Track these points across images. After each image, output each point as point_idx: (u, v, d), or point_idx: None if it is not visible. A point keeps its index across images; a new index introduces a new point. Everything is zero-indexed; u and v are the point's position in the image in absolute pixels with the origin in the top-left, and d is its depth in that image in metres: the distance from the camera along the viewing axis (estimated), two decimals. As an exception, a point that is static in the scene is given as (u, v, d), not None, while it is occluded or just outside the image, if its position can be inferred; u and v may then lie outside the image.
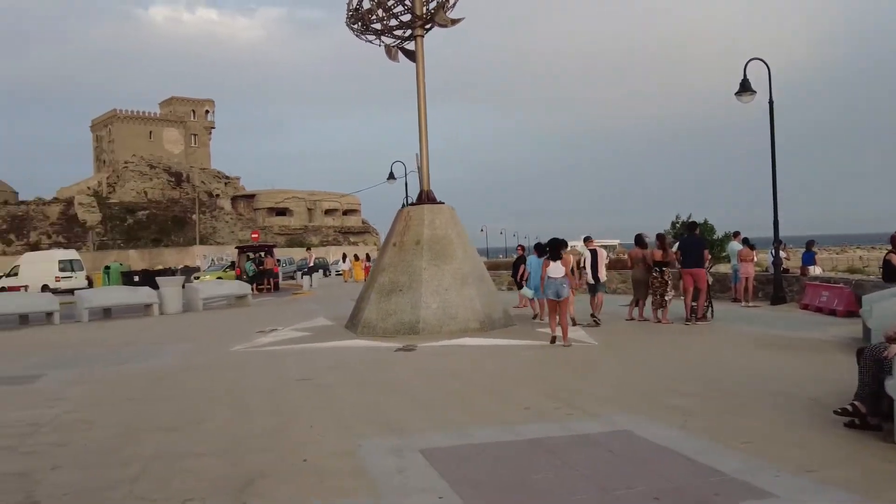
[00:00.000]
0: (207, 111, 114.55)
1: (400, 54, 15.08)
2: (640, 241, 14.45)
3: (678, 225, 42.06)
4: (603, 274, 14.15)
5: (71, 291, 29.14)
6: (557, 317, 11.21)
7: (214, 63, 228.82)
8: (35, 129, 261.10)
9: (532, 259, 14.81)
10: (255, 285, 31.63)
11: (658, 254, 13.59)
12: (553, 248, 11.33)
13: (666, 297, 13.37)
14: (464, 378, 8.39)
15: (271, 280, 32.79)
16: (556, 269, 11.13)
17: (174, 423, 6.56)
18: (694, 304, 13.55)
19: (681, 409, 6.41)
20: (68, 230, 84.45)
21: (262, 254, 34.41)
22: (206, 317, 19.34)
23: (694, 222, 14.28)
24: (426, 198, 14.18)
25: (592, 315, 13.97)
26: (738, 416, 6.12)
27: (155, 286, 22.08)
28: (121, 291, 23.18)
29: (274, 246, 39.04)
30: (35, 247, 71.30)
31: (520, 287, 15.70)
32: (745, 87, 16.41)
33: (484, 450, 5.27)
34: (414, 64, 14.55)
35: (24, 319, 19.10)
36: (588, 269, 14.04)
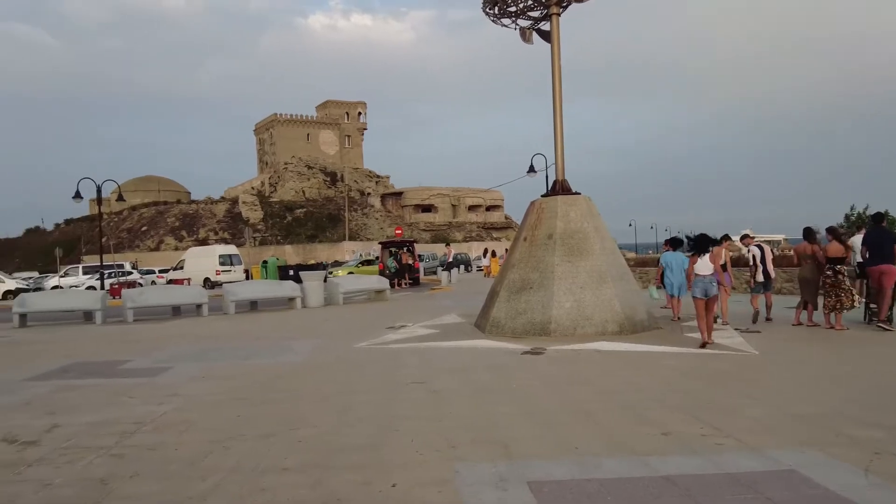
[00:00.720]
0: (360, 113, 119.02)
1: (535, 36, 14.20)
2: (809, 234, 12.62)
3: (853, 217, 37.80)
4: (772, 271, 13.26)
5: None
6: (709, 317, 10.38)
7: (367, 66, 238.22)
8: (207, 135, 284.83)
9: (667, 255, 13.70)
10: (396, 280, 32.01)
11: (832, 249, 11.77)
12: (701, 243, 10.40)
13: (847, 299, 11.53)
14: (594, 390, 7.36)
15: (406, 275, 33.14)
16: (704, 266, 10.24)
17: (271, 428, 6.10)
18: (873, 306, 11.87)
19: (865, 445, 5.07)
20: (233, 227, 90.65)
21: (405, 249, 34.73)
22: (344, 311, 19.40)
23: (880, 213, 12.30)
24: (560, 188, 13.12)
25: (760, 317, 13.08)
26: (950, 459, 4.70)
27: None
28: (266, 285, 24.00)
29: (414, 242, 39.32)
30: (203, 242, 77.12)
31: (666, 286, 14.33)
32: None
33: (604, 488, 4.29)
34: (549, 45, 13.59)
35: (176, 311, 20.12)
36: (759, 267, 13.20)
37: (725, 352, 9.76)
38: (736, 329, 12.01)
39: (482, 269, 42.32)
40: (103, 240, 68.52)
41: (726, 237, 14.22)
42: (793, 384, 7.47)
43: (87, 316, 18.57)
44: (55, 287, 37.86)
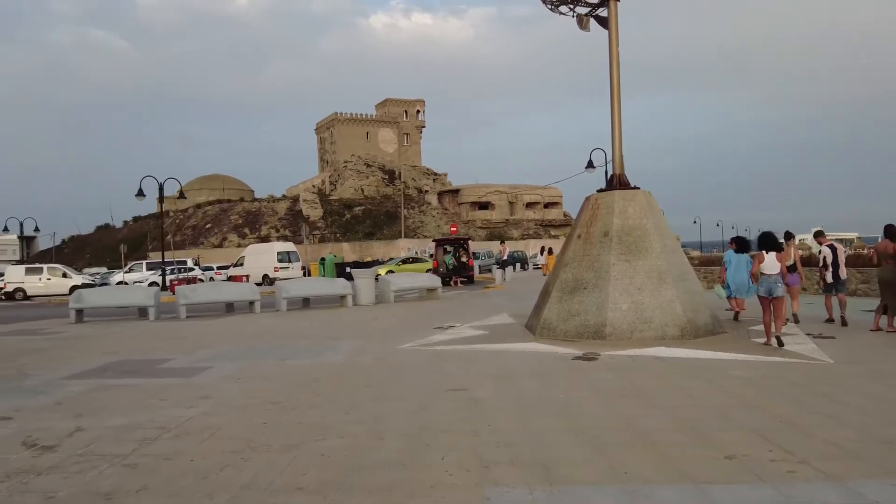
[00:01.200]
0: (418, 111, 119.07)
1: (592, 22, 13.55)
2: (891, 232, 11.59)
3: (938, 215, 35.49)
4: (844, 272, 12.55)
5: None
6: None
7: (427, 64, 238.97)
8: (270, 135, 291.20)
9: (730, 254, 13.06)
10: (453, 278, 31.64)
11: (918, 249, 10.78)
12: (767, 242, 10.21)
13: None
14: (650, 403, 6.71)
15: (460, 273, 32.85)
16: (770, 265, 10.05)
17: (297, 438, 5.70)
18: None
19: (973, 479, 4.32)
20: (294, 224, 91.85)
21: (460, 246, 34.31)
22: (394, 309, 19.08)
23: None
24: (617, 182, 12.40)
25: (836, 318, 12.53)
26: None
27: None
28: (318, 283, 23.97)
29: (469, 239, 38.84)
30: (265, 239, 78.40)
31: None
32: None
33: (657, 527, 3.71)
34: (607, 32, 12.91)
35: (230, 308, 20.18)
36: (830, 267, 12.51)
37: (797, 360, 8.96)
38: (808, 334, 11.13)
39: (539, 267, 41.52)
40: (168, 236, 70.32)
41: (790, 235, 13.44)
42: (875, 400, 6.66)
43: (142, 312, 18.75)
44: (120, 283, 38.88)
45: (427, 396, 7.26)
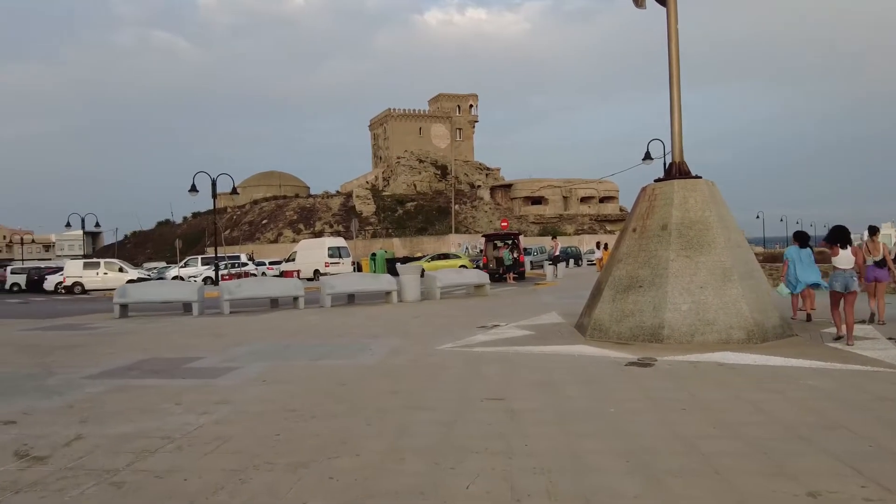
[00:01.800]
0: (471, 105, 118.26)
1: (648, 0, 12.59)
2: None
3: None
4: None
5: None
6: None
7: (481, 59, 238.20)
8: (325, 132, 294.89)
9: (791, 250, 12.10)
10: (510, 274, 30.86)
11: None
12: (839, 236, 9.91)
13: None
14: (715, 420, 5.82)
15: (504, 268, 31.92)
16: (845, 259, 9.76)
17: (308, 454, 5.06)
18: None
19: None
20: (347, 220, 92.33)
21: (511, 241, 33.44)
22: (439, 306, 18.42)
23: None
24: (677, 171, 11.39)
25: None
26: None
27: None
28: (362, 278, 23.50)
29: (520, 234, 37.89)
30: (318, 235, 78.92)
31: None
32: None
33: None
34: (664, 9, 11.93)
35: (274, 303, 19.87)
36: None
37: (879, 368, 7.94)
38: (890, 339, 10.01)
39: (594, 263, 40.35)
40: (226, 232, 71.32)
41: (874, 229, 12.40)
42: None
43: (187, 307, 18.57)
44: (175, 277, 39.39)
45: (460, 406, 6.53)
